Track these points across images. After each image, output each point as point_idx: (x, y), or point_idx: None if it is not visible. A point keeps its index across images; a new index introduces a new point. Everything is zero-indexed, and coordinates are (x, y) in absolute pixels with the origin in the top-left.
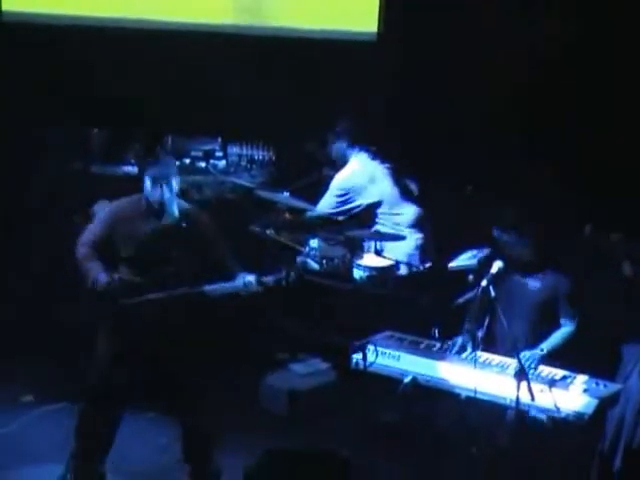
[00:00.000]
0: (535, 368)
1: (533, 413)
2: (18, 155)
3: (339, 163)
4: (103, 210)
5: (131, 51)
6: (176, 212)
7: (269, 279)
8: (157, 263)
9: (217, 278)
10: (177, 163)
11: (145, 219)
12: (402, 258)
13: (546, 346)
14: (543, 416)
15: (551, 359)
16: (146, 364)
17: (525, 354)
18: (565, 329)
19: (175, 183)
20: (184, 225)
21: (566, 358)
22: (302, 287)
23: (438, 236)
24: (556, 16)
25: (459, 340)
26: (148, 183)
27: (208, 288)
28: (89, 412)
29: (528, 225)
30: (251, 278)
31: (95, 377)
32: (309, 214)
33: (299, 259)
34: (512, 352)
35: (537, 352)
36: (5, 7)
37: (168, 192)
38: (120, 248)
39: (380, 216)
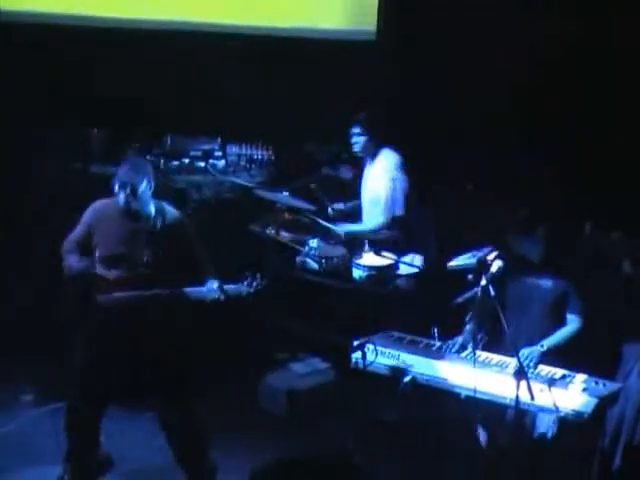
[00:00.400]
0: (535, 365)
1: (533, 412)
2: (17, 156)
3: (366, 158)
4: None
5: (130, 51)
6: (151, 213)
7: (231, 287)
8: (130, 263)
9: (190, 281)
10: (149, 165)
11: (121, 220)
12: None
13: (547, 343)
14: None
15: (551, 358)
16: (135, 364)
17: (524, 351)
18: (570, 326)
19: (147, 185)
20: (158, 227)
21: (566, 357)
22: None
23: (438, 235)
24: (556, 15)
25: (459, 339)
26: (115, 187)
27: (182, 291)
28: (72, 411)
29: (541, 226)
30: (215, 285)
31: (76, 376)
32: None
33: (299, 258)
34: (512, 351)
35: (537, 348)
36: (2, 6)
37: (133, 197)
38: (97, 247)
39: None
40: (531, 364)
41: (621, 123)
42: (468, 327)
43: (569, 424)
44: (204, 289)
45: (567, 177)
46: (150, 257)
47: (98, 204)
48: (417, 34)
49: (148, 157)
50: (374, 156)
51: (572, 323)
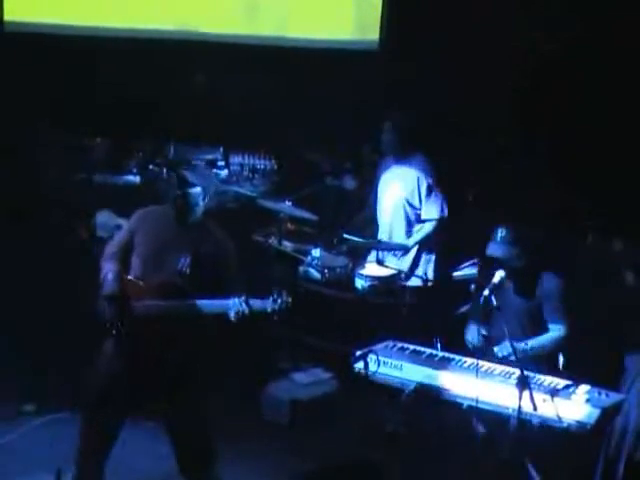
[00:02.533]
0: (516, 359)
1: (535, 422)
2: (21, 165)
3: (397, 157)
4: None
5: (134, 61)
6: (198, 224)
7: (257, 302)
8: (166, 272)
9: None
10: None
11: (166, 227)
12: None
13: (531, 343)
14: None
15: (539, 362)
16: (148, 372)
17: (505, 344)
18: (553, 333)
19: (202, 196)
20: (202, 238)
21: (568, 367)
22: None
23: (441, 245)
24: (558, 26)
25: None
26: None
27: (203, 303)
28: (90, 418)
29: (518, 239)
30: (240, 299)
31: (97, 383)
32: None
33: (301, 268)
34: (513, 360)
35: (521, 345)
36: (7, 17)
37: (186, 204)
38: (135, 251)
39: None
40: (510, 357)
41: (624, 133)
42: (470, 336)
43: (572, 435)
44: (229, 302)
45: (570, 186)
46: (187, 268)
47: (142, 211)
48: (419, 44)
49: (151, 166)
50: (401, 157)
51: (554, 331)
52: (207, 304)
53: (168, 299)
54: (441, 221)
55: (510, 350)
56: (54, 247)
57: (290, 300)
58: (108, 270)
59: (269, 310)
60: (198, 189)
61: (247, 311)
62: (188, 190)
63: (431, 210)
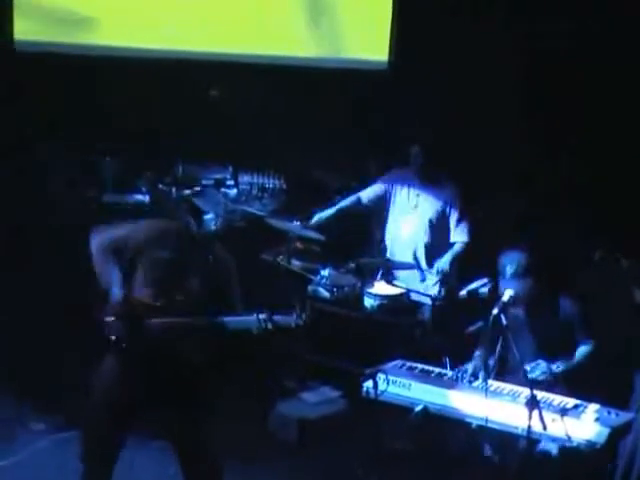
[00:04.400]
0: (543, 381)
1: (545, 442)
2: (29, 183)
3: (423, 179)
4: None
5: (143, 80)
6: (207, 244)
7: (280, 318)
8: (173, 291)
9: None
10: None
11: (176, 246)
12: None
13: (562, 364)
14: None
15: (562, 387)
16: (152, 389)
17: (540, 363)
18: (583, 348)
19: (212, 219)
20: (209, 259)
21: (578, 386)
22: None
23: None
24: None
25: (469, 368)
26: (183, 212)
27: (225, 319)
28: (91, 434)
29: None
30: (263, 316)
31: (98, 398)
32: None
33: (310, 287)
34: (523, 380)
35: (551, 366)
36: (18, 36)
37: (197, 224)
38: (141, 268)
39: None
40: (539, 376)
41: (634, 149)
42: (477, 353)
43: (581, 454)
44: (252, 319)
45: (579, 203)
46: (194, 287)
47: (150, 221)
48: (429, 64)
49: (160, 186)
50: (427, 179)
51: (584, 346)
52: (231, 321)
53: (182, 316)
54: (468, 245)
55: (544, 369)
56: (62, 266)
57: (310, 315)
58: (107, 273)
59: (293, 325)
60: (210, 215)
61: (271, 327)
62: (201, 218)
63: (461, 233)
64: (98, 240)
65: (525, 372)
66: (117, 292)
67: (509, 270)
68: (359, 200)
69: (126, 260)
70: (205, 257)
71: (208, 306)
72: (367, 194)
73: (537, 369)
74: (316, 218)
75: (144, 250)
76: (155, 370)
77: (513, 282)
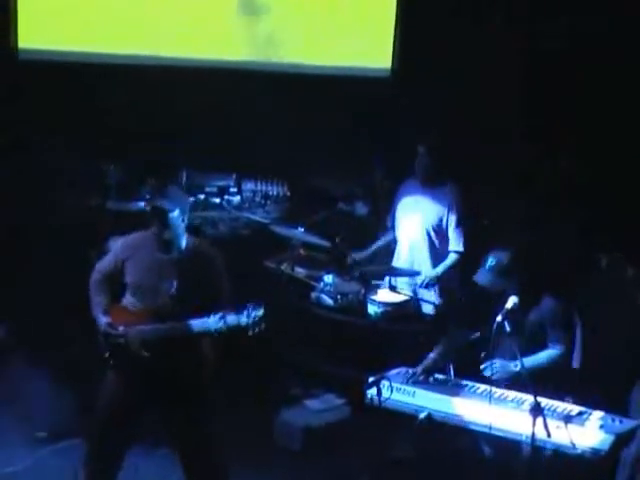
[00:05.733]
0: (500, 380)
1: (549, 449)
2: (35, 190)
3: (427, 182)
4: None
5: (147, 87)
6: (182, 245)
7: (232, 318)
8: (156, 295)
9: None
10: (190, 198)
11: (152, 251)
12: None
13: (522, 363)
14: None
15: (563, 393)
16: (153, 398)
17: (495, 362)
18: (550, 351)
19: (180, 216)
20: (188, 260)
21: (581, 393)
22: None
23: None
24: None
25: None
26: (149, 215)
27: (187, 323)
28: (94, 446)
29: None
30: (218, 316)
31: (102, 406)
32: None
33: (313, 294)
34: (526, 387)
35: (510, 364)
36: (22, 44)
37: (164, 226)
38: (127, 278)
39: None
40: (496, 375)
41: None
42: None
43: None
44: (209, 320)
45: (585, 211)
46: (176, 290)
47: (130, 236)
48: (431, 71)
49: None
50: (431, 182)
51: (553, 349)
52: (193, 324)
53: (157, 323)
54: (462, 255)
55: (497, 369)
56: (66, 274)
57: (261, 314)
58: (95, 304)
59: (243, 325)
60: (176, 212)
61: (225, 327)
62: (167, 217)
63: (457, 243)
64: (92, 275)
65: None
66: (100, 318)
67: (489, 262)
68: (393, 234)
69: (119, 278)
70: (187, 260)
71: (194, 306)
72: (391, 222)
73: (490, 369)
74: (356, 257)
75: (128, 262)
76: (154, 379)
77: (487, 275)
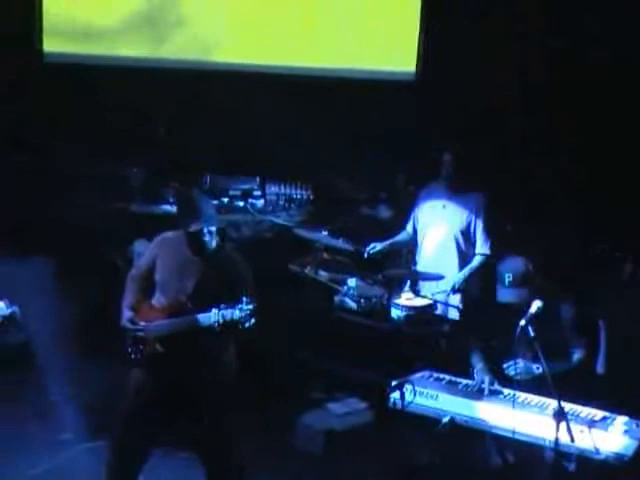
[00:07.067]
0: (522, 381)
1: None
2: (59, 193)
3: (452, 188)
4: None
5: (171, 91)
6: (212, 248)
7: (227, 312)
8: (179, 292)
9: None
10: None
11: (183, 251)
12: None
13: (544, 366)
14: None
15: (590, 399)
16: (172, 396)
17: (519, 363)
18: (574, 356)
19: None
20: (214, 261)
21: (606, 399)
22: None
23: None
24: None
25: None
26: (195, 224)
27: (194, 316)
28: (118, 448)
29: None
30: (215, 310)
31: (124, 408)
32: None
33: (337, 298)
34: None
35: (532, 366)
36: (47, 48)
37: (210, 233)
38: (157, 273)
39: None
40: (519, 376)
41: None
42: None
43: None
44: (210, 314)
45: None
46: (193, 289)
47: (166, 235)
48: (455, 75)
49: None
50: (456, 188)
51: (575, 356)
52: (197, 318)
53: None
54: (489, 258)
55: (521, 370)
56: (91, 276)
57: (252, 307)
58: (124, 298)
59: (236, 318)
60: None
61: (221, 320)
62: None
63: (484, 246)
64: (130, 271)
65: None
66: (125, 313)
67: (507, 279)
68: (408, 234)
69: (152, 275)
70: (208, 258)
71: (213, 303)
72: (411, 225)
73: (514, 368)
74: (373, 248)
75: (159, 260)
76: (173, 377)
77: (509, 291)
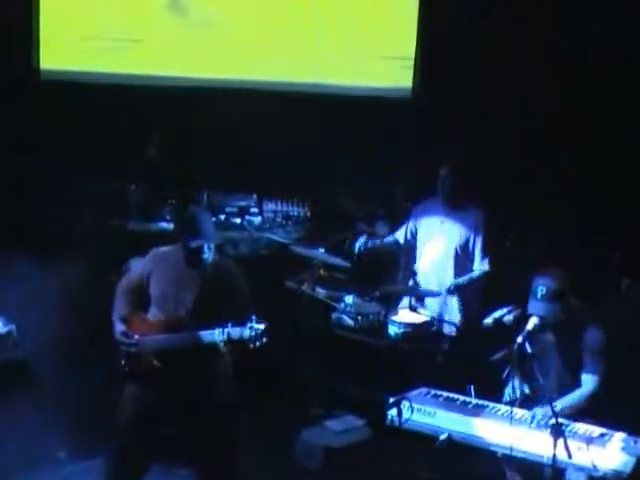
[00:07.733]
0: (545, 425)
1: (570, 471)
2: (54, 210)
3: (450, 203)
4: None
5: (167, 108)
6: (209, 262)
7: (235, 330)
8: (177, 306)
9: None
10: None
11: (179, 265)
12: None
13: (561, 403)
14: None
15: (586, 416)
16: (171, 417)
17: (537, 411)
18: (584, 389)
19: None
20: (212, 275)
21: (603, 415)
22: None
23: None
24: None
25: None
26: (193, 239)
27: (196, 333)
28: (115, 465)
29: (560, 294)
30: (221, 329)
31: (121, 424)
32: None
33: (334, 315)
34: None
35: (549, 409)
36: (44, 65)
37: (209, 248)
38: (151, 288)
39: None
40: (542, 422)
41: None
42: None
43: None
44: (215, 332)
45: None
46: (193, 303)
47: (159, 249)
48: (452, 91)
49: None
50: (454, 203)
51: (586, 383)
52: (200, 335)
53: (172, 333)
54: (486, 274)
55: (540, 418)
56: (86, 294)
57: (262, 328)
58: (115, 311)
59: (245, 338)
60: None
61: (227, 340)
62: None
63: (482, 262)
64: (120, 283)
65: (559, 424)
66: (117, 325)
67: (540, 292)
68: (397, 241)
69: (144, 290)
70: (205, 272)
71: (210, 320)
72: (402, 234)
73: (536, 419)
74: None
75: (153, 275)
76: (169, 392)
77: (541, 304)
